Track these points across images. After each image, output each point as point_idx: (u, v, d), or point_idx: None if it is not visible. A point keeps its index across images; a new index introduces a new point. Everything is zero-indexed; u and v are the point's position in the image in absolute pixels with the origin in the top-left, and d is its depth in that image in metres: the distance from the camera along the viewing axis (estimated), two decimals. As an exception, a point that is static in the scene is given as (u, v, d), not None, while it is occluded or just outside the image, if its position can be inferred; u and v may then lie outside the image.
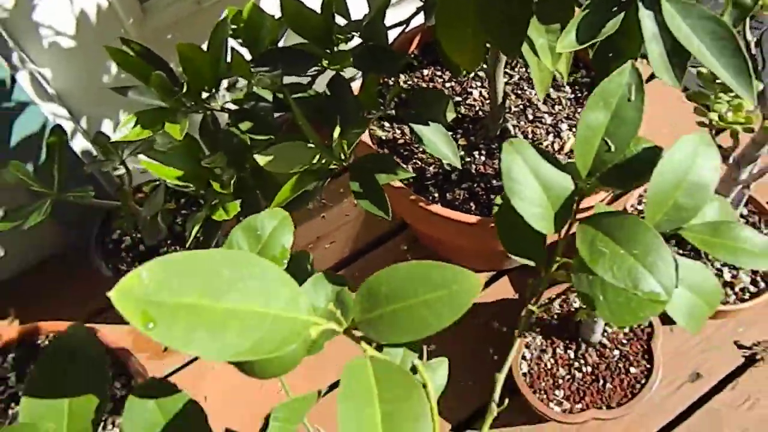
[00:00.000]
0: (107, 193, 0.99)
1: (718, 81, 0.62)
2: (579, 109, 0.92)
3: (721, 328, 0.94)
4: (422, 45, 0.97)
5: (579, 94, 0.93)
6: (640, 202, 0.93)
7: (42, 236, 1.02)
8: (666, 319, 0.92)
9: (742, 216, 0.91)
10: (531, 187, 0.35)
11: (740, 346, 0.93)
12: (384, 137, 0.88)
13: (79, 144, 0.96)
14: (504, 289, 1.01)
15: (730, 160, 0.72)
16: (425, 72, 0.95)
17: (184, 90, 0.54)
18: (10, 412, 0.76)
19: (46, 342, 0.80)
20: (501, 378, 0.41)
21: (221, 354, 0.26)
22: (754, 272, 0.87)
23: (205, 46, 0.59)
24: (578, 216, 0.39)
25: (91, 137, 0.99)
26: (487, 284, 1.02)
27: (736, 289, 0.86)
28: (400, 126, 0.89)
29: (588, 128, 0.36)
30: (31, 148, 0.88)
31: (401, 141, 0.88)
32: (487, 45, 0.57)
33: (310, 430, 0.43)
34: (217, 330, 0.26)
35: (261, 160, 0.54)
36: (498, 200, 0.40)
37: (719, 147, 0.71)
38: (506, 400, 0.42)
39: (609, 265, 0.31)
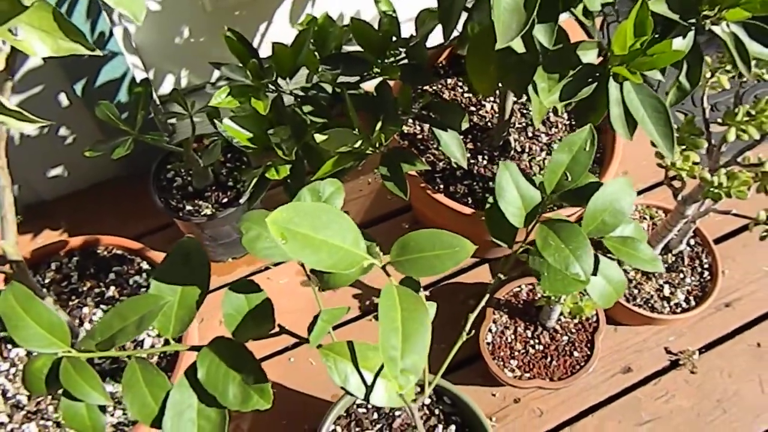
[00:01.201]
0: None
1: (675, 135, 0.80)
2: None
3: (656, 335, 1.13)
4: (451, 57, 1.13)
5: (574, 121, 1.10)
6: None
7: (106, 164, 1.19)
8: (610, 320, 1.11)
9: (688, 245, 1.09)
10: (512, 194, 0.53)
11: (668, 352, 1.12)
12: (406, 131, 1.05)
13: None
14: (484, 275, 1.19)
15: (679, 197, 0.90)
16: (449, 81, 1.12)
17: (273, 76, 0.71)
18: (70, 303, 0.93)
19: (105, 252, 0.97)
20: (471, 317, 0.59)
21: (317, 264, 0.43)
22: (689, 292, 1.05)
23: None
24: (541, 219, 0.56)
25: (156, 88, 1.15)
26: (470, 268, 1.20)
27: (672, 303, 1.04)
28: (420, 124, 1.06)
29: (555, 163, 0.53)
30: (110, 91, 1.04)
31: (420, 137, 1.05)
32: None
33: (334, 338, 0.61)
34: (316, 250, 0.44)
35: (319, 137, 0.71)
36: (490, 199, 0.57)
37: (671, 186, 0.89)
38: (473, 331, 0.59)
39: (553, 252, 0.49)
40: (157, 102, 1.15)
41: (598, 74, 0.57)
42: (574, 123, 1.10)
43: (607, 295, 0.54)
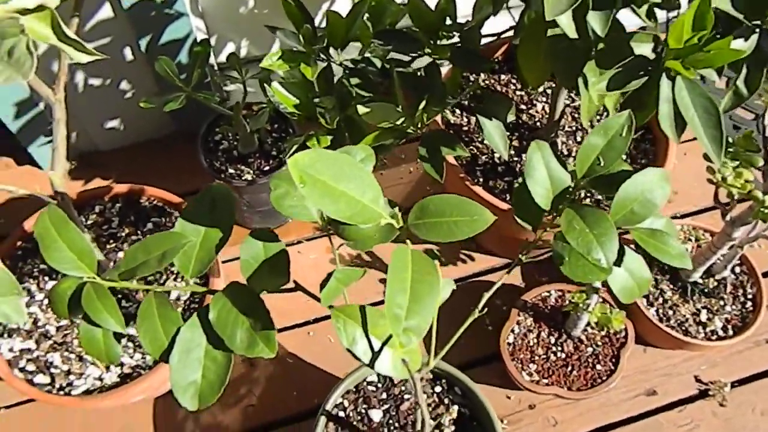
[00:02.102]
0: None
1: (729, 149, 0.77)
2: (623, 144, 1.06)
3: (687, 361, 1.08)
4: (507, 54, 1.12)
5: (626, 132, 1.07)
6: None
7: (159, 122, 1.23)
8: (640, 340, 1.07)
9: (733, 272, 1.04)
10: (541, 174, 0.52)
11: (698, 380, 1.07)
12: (452, 121, 1.05)
13: (206, 57, 1.15)
14: (514, 276, 1.17)
15: (727, 218, 0.86)
16: (503, 77, 1.11)
17: (324, 43, 0.72)
18: (108, 246, 0.97)
19: (146, 202, 1.00)
20: (487, 295, 0.58)
21: (334, 213, 0.43)
22: (728, 320, 1.01)
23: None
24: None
25: (215, 51, 1.18)
26: (502, 268, 1.18)
27: (708, 329, 1.00)
28: (468, 116, 1.06)
29: (589, 146, 0.52)
30: (172, 50, 1.07)
31: (465, 128, 1.05)
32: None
33: (347, 300, 0.61)
34: (334, 200, 0.44)
35: (362, 109, 0.71)
36: (520, 180, 0.56)
37: (719, 204, 0.85)
38: (485, 309, 0.58)
39: (576, 236, 0.47)
40: (215, 68, 1.18)
41: (650, 68, 0.55)
42: (627, 133, 1.07)
43: (629, 289, 0.52)
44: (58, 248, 0.54)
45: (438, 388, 0.86)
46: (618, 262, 0.51)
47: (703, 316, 1.01)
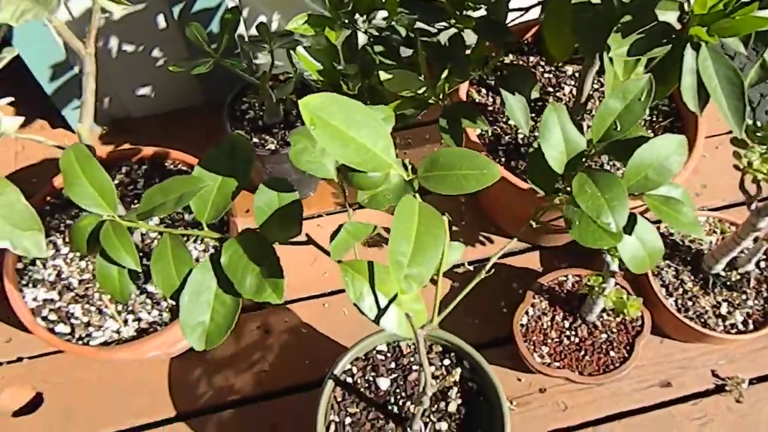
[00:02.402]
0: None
1: (758, 134, 0.75)
2: (650, 132, 1.04)
3: (704, 355, 1.06)
4: (536, 36, 1.11)
5: (654, 119, 1.05)
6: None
7: (189, 90, 1.26)
8: (657, 330, 1.05)
9: (758, 267, 1.02)
10: (556, 137, 0.52)
11: (715, 375, 1.05)
12: (478, 100, 1.04)
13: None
14: (532, 261, 1.16)
15: (753, 206, 0.84)
16: (531, 59, 1.10)
17: (349, 9, 0.73)
18: (132, 206, 0.99)
19: (171, 165, 1.03)
20: (495, 257, 0.58)
21: (343, 158, 0.44)
22: (749, 315, 0.99)
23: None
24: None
25: (246, 25, 1.20)
26: (521, 252, 1.18)
27: (727, 323, 0.98)
28: (493, 96, 1.05)
29: (606, 110, 0.51)
30: (204, 19, 1.09)
31: (490, 108, 1.04)
32: (577, 45, 0.72)
33: (358, 256, 0.61)
34: (344, 145, 0.44)
35: (383, 75, 0.72)
36: (535, 144, 0.55)
37: (745, 191, 0.84)
38: (492, 270, 0.58)
39: (587, 199, 0.47)
40: (245, 38, 1.19)
41: (674, 37, 0.54)
42: (654, 120, 1.05)
43: (640, 259, 0.51)
44: (81, 184, 0.56)
45: (447, 361, 0.86)
46: (629, 230, 0.50)
47: (724, 309, 0.99)
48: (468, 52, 0.80)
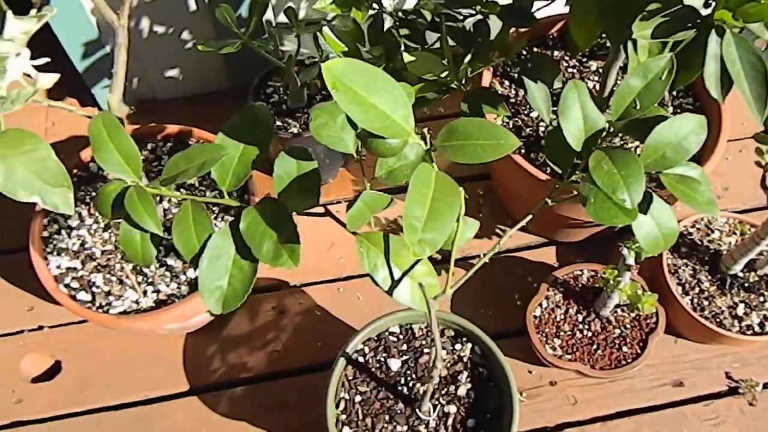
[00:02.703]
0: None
1: (781, 130, 0.74)
2: (673, 129, 1.04)
3: (719, 357, 1.05)
4: (561, 32, 1.11)
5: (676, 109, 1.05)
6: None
7: (215, 74, 1.28)
8: (672, 330, 1.05)
9: (776, 269, 1.01)
10: (575, 113, 0.52)
11: (729, 377, 1.04)
12: (500, 92, 1.05)
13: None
14: (548, 256, 1.16)
15: (773, 205, 0.84)
16: (556, 53, 1.10)
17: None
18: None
19: (194, 143, 1.04)
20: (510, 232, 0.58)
21: (363, 123, 0.45)
22: (766, 317, 0.98)
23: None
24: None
25: (275, 12, 1.22)
26: (537, 246, 1.18)
27: (743, 324, 0.97)
28: (516, 88, 1.05)
29: (627, 88, 0.51)
30: (234, 3, 1.11)
31: (512, 100, 1.04)
32: (603, 35, 0.72)
33: (372, 226, 0.62)
34: (364, 110, 0.45)
35: (407, 57, 0.72)
36: (554, 122, 0.56)
37: (766, 189, 0.83)
38: (497, 247, 0.59)
39: (603, 175, 0.47)
40: (273, 23, 1.21)
41: (698, 21, 0.54)
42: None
43: (654, 240, 0.51)
44: (108, 150, 0.58)
45: (458, 346, 0.86)
46: (645, 209, 0.50)
47: (740, 310, 0.98)
48: (492, 38, 0.80)
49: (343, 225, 0.59)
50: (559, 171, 0.56)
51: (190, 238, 0.56)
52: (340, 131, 0.61)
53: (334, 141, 0.60)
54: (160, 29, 1.17)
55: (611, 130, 0.53)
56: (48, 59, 0.58)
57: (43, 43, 0.65)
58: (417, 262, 0.58)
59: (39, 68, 0.59)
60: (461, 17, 0.84)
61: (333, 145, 0.61)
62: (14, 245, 1.13)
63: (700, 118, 0.51)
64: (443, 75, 0.77)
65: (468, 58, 0.75)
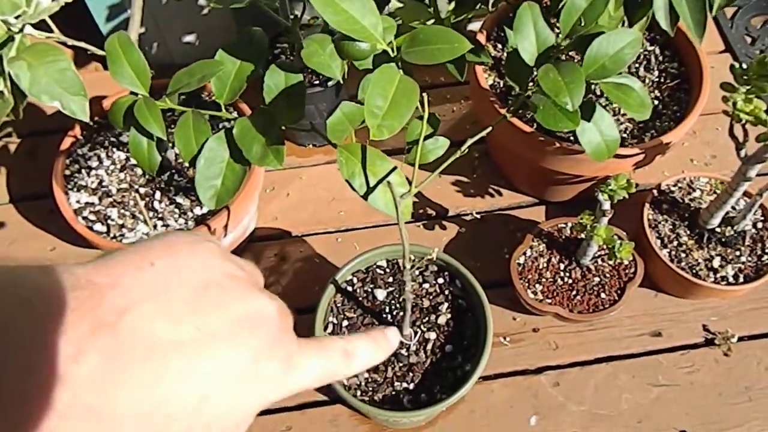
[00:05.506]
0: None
1: (744, 77, 0.80)
2: (657, 93, 1.09)
3: (697, 311, 1.10)
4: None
5: (662, 80, 1.10)
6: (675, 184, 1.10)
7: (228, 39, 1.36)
8: (652, 284, 1.10)
9: (754, 227, 1.05)
10: (529, 31, 0.58)
11: (706, 329, 1.09)
12: (493, 54, 1.11)
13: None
14: (537, 214, 1.22)
15: (742, 154, 0.88)
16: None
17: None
18: (169, 131, 1.09)
19: (207, 98, 1.12)
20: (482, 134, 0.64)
21: (334, 24, 0.52)
22: (740, 270, 1.02)
23: None
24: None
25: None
26: (528, 206, 1.23)
27: (718, 275, 1.02)
28: (507, 50, 1.12)
29: (572, 7, 0.58)
30: (246, -31, 1.19)
31: (504, 63, 1.11)
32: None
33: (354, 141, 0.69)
34: (335, 12, 0.52)
35: (395, 4, 0.79)
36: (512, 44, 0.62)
37: (735, 137, 0.88)
38: (466, 150, 0.65)
39: (549, 83, 0.54)
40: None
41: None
42: (661, 82, 1.10)
43: (599, 148, 0.57)
44: (122, 65, 0.66)
45: (441, 280, 0.93)
46: (588, 117, 0.56)
47: (716, 263, 1.03)
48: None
49: (331, 143, 0.66)
50: (518, 89, 0.63)
51: (189, 141, 0.64)
52: (329, 59, 0.68)
53: (322, 66, 0.67)
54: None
55: (561, 47, 0.59)
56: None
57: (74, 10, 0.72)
58: (392, 171, 0.65)
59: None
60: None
61: (321, 69, 0.68)
62: (39, 191, 1.22)
63: (635, 33, 0.57)
64: (429, 23, 0.84)
65: (452, 5, 0.82)
